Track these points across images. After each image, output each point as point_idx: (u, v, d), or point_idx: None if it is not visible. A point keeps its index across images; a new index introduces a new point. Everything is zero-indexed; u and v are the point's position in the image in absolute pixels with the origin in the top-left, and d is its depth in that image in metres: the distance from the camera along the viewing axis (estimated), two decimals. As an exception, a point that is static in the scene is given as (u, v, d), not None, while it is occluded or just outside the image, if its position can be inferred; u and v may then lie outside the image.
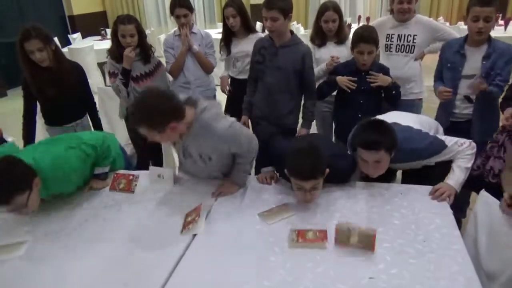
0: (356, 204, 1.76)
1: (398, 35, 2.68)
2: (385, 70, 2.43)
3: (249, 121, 2.70)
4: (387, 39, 2.73)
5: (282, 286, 1.33)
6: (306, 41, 3.38)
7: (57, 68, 2.41)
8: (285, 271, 1.39)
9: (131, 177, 2.03)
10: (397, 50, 2.71)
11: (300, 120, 2.58)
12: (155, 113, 1.59)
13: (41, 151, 1.78)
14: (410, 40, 2.66)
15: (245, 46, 2.90)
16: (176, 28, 2.95)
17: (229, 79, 3.17)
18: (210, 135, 1.74)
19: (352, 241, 1.47)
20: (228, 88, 3.16)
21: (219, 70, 3.56)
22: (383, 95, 2.45)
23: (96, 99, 3.90)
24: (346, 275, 1.35)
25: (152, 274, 1.41)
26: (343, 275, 1.35)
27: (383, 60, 2.77)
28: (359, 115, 2.27)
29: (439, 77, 2.43)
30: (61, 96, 2.48)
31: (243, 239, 1.58)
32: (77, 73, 2.59)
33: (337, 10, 2.69)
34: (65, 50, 6.31)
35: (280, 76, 2.43)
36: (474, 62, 2.24)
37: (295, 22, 7.37)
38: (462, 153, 1.80)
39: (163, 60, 2.99)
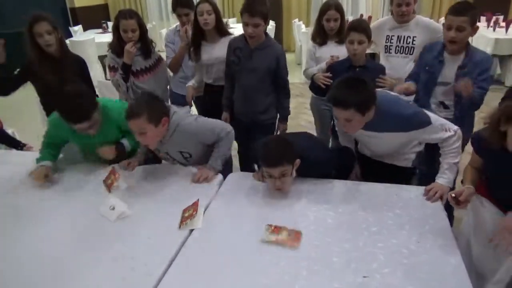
0: (351, 203, 1.77)
1: (398, 36, 2.69)
2: (378, 68, 2.45)
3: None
4: (387, 40, 2.73)
5: (278, 285, 1.34)
6: (308, 38, 3.39)
7: (61, 57, 2.46)
8: (281, 269, 1.41)
9: (117, 175, 1.98)
10: (396, 51, 2.72)
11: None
12: (155, 107, 1.88)
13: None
14: (409, 42, 2.67)
15: (218, 52, 2.65)
16: (178, 23, 2.94)
17: (196, 88, 2.86)
18: (182, 133, 1.97)
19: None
20: (193, 99, 2.89)
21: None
22: None
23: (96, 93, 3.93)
24: (340, 274, 1.37)
25: (148, 269, 1.43)
26: (337, 274, 1.37)
27: (383, 61, 2.78)
28: None
29: (413, 76, 2.41)
30: (63, 86, 2.45)
31: (240, 236, 1.59)
32: (80, 65, 2.62)
33: (339, 9, 2.69)
34: (66, 42, 6.32)
35: (255, 77, 2.50)
36: (450, 70, 2.21)
37: (296, 20, 7.35)
38: (448, 145, 1.77)
39: (163, 55, 2.99)
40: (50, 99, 2.55)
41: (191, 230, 1.64)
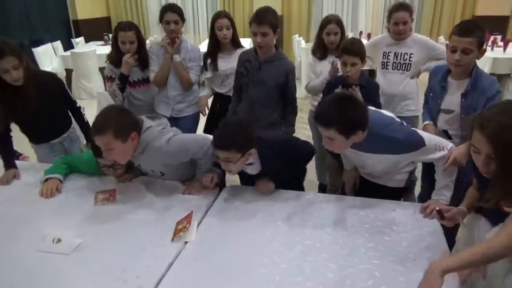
0: (347, 219, 1.74)
1: (395, 53, 2.69)
2: (371, 84, 2.44)
3: None
4: (384, 57, 2.73)
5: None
6: (307, 54, 3.40)
7: (29, 86, 2.14)
8: (274, 284, 1.37)
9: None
10: (393, 67, 2.72)
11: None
12: (123, 121, 1.77)
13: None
14: (406, 58, 2.67)
15: (234, 62, 2.70)
16: (163, 37, 2.78)
17: (212, 97, 3.05)
18: (152, 154, 1.87)
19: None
20: (207, 109, 3.03)
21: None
22: None
23: (95, 104, 3.94)
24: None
25: (140, 281, 1.39)
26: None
27: (380, 77, 2.78)
28: None
29: (426, 101, 2.29)
30: (38, 114, 2.24)
31: (233, 250, 1.56)
32: (53, 85, 2.34)
33: (339, 23, 2.70)
34: (67, 53, 6.38)
35: (262, 90, 2.46)
36: (453, 97, 2.04)
37: (296, 35, 7.42)
38: (443, 163, 1.70)
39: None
40: (29, 127, 2.41)
41: (185, 243, 1.61)
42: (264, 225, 1.72)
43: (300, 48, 6.79)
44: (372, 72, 3.69)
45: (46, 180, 2.05)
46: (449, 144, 1.72)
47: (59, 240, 1.61)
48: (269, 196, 1.94)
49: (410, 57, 2.66)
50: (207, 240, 1.63)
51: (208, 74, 2.96)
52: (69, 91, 2.53)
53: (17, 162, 2.32)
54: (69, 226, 1.73)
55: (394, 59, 2.70)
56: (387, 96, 2.67)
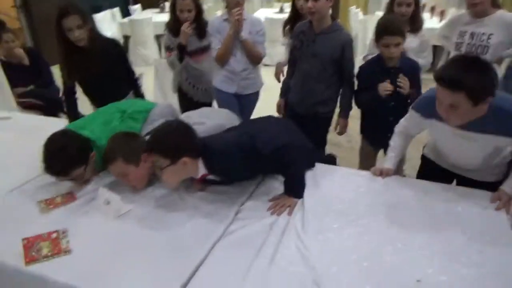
0: (408, 202, 1.66)
1: (471, 33, 2.39)
2: (413, 66, 2.22)
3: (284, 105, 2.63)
4: (459, 37, 2.45)
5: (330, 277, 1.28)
6: (365, 27, 3.21)
7: (93, 48, 2.27)
8: (327, 260, 1.34)
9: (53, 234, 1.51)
10: (467, 49, 2.42)
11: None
12: (130, 146, 1.72)
13: (98, 124, 1.87)
14: (483, 40, 2.35)
15: None
16: (223, 12, 2.72)
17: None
18: None
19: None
20: (282, 75, 2.94)
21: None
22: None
23: (151, 71, 4.02)
24: (391, 274, 1.29)
25: (173, 274, 1.32)
26: (389, 274, 1.29)
27: None
28: (390, 119, 2.08)
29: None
30: (100, 77, 2.37)
31: (274, 237, 1.49)
32: (115, 51, 2.45)
33: None
34: (125, 20, 6.53)
35: (316, 63, 2.34)
36: None
37: (353, 7, 7.06)
38: None
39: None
40: (91, 90, 2.52)
41: (222, 235, 1.50)
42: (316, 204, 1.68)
43: (357, 21, 6.47)
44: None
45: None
46: None
47: (108, 202, 1.63)
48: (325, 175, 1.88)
49: (488, 38, 2.33)
50: (246, 229, 1.53)
51: (286, 40, 2.94)
52: (129, 59, 2.60)
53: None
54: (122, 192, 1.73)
55: (469, 39, 2.41)
56: None
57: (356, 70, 2.39)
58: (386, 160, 1.92)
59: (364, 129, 2.52)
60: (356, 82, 2.39)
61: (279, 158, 1.64)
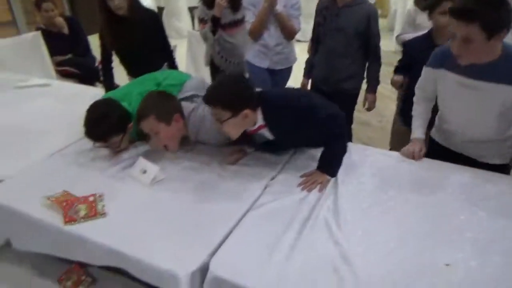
0: (436, 186, 1.62)
1: None
2: None
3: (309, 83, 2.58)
4: None
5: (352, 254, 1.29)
6: (405, 2, 3.06)
7: (132, 18, 2.34)
8: (356, 238, 1.35)
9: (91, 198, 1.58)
10: None
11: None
12: (163, 105, 1.76)
13: (136, 94, 1.92)
14: None
15: None
16: None
17: None
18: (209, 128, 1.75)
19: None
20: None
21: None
22: None
23: (184, 43, 4.04)
24: (418, 256, 1.28)
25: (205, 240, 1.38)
26: (415, 255, 1.28)
27: None
28: None
29: None
30: (137, 47, 2.44)
31: (303, 206, 1.54)
32: (153, 21, 2.52)
33: None
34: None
35: (340, 38, 2.28)
36: None
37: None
38: None
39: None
40: (127, 59, 2.58)
41: (251, 207, 1.53)
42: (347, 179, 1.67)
43: (397, -4, 6.20)
44: None
45: None
46: None
47: (145, 171, 1.71)
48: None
49: None
50: (277, 200, 1.56)
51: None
52: (165, 31, 2.63)
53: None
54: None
55: None
56: None
57: (387, 47, 2.31)
58: (413, 131, 1.86)
59: (402, 111, 2.39)
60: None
61: (330, 126, 1.61)
